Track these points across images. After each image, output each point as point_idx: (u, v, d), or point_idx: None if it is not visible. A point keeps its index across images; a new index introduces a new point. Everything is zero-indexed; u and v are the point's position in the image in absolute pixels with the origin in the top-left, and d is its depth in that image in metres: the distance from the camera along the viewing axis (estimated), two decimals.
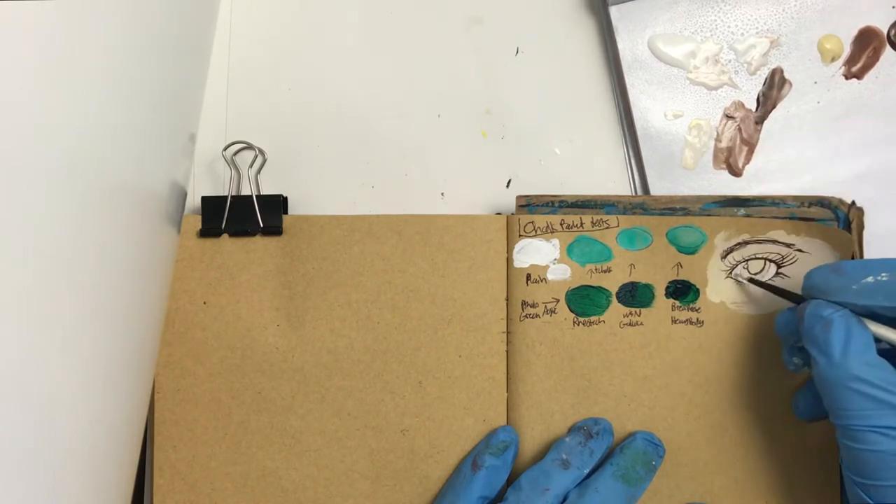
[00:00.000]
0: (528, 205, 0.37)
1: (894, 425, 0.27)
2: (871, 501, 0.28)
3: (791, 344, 0.33)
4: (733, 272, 0.36)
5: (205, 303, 0.36)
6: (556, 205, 0.37)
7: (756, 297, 0.36)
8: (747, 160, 0.38)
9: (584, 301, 0.36)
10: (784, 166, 0.38)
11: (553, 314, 0.36)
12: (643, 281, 0.36)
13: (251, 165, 0.38)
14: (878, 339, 0.29)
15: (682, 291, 0.36)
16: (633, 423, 0.36)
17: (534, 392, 0.36)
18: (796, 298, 0.33)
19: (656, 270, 0.36)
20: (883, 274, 0.29)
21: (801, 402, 0.34)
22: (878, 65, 0.38)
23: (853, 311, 0.30)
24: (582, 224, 0.36)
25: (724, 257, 0.36)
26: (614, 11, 0.38)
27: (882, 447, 0.27)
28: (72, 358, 0.26)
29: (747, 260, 0.36)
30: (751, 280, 0.35)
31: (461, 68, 0.40)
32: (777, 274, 0.36)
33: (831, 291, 0.30)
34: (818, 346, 0.29)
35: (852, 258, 0.36)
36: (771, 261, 0.36)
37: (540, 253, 0.36)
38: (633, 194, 0.39)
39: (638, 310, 0.36)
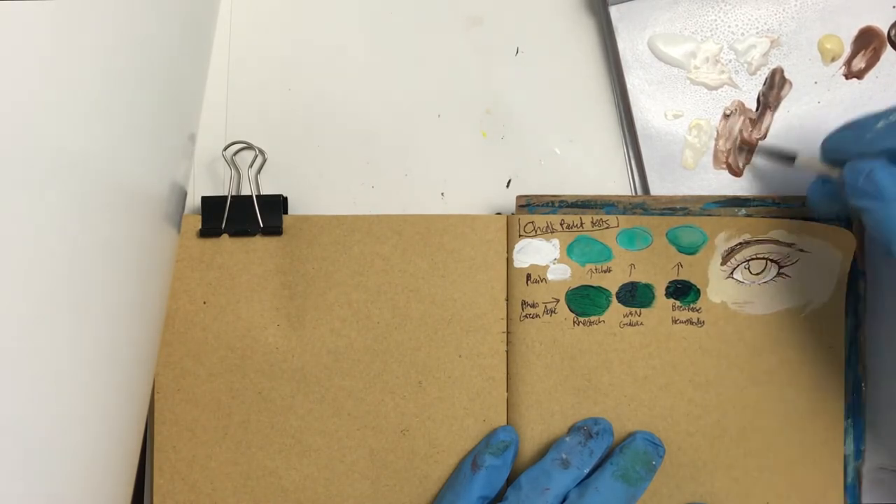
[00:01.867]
0: (528, 205, 0.37)
1: None
2: None
3: (833, 214, 0.34)
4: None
5: (205, 303, 0.36)
6: (556, 205, 0.37)
7: (757, 298, 0.36)
8: (747, 160, 0.38)
9: (584, 301, 0.36)
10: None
11: (553, 314, 0.36)
12: (643, 281, 0.36)
13: (251, 165, 0.38)
14: None
15: (683, 291, 0.36)
16: (633, 423, 0.36)
17: (534, 392, 0.36)
18: (788, 155, 0.34)
19: (656, 270, 0.36)
20: (893, 115, 0.30)
21: (817, 192, 0.34)
22: (878, 65, 0.38)
23: None
24: (582, 224, 0.36)
25: (724, 257, 0.36)
26: (614, 11, 0.38)
27: None
28: (71, 358, 0.26)
29: (748, 260, 0.36)
30: (759, 149, 0.36)
31: (461, 68, 0.40)
32: (779, 274, 0.36)
33: (848, 145, 0.31)
34: (867, 194, 0.29)
35: (854, 258, 0.36)
36: (772, 261, 0.36)
37: (540, 253, 0.36)
38: (633, 194, 0.39)
39: (638, 310, 0.36)
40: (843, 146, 0.31)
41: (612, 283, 0.36)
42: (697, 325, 0.36)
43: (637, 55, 0.38)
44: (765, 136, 0.38)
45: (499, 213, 0.37)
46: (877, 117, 0.30)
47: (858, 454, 0.36)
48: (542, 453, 0.35)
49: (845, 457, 0.36)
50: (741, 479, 0.36)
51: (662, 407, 0.36)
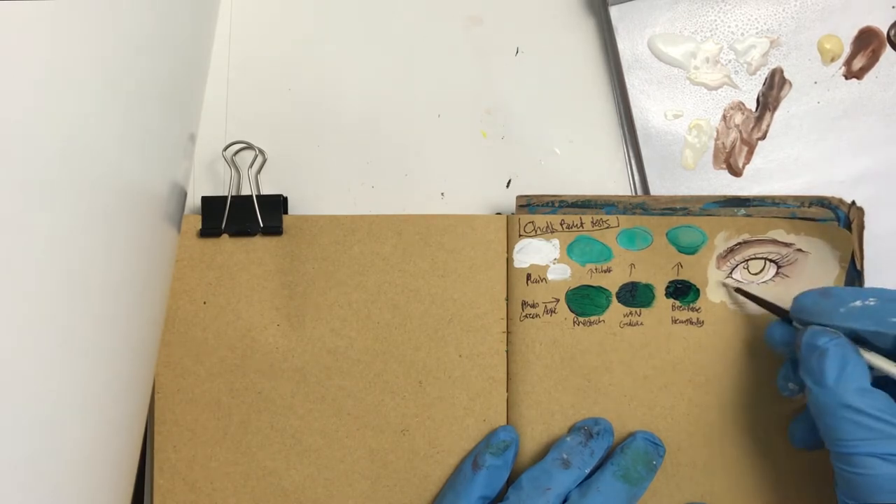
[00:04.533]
0: (529, 205, 0.37)
1: (888, 451, 0.28)
2: None
3: (787, 359, 0.34)
4: (725, 279, 0.36)
5: (205, 303, 0.36)
6: (556, 205, 0.37)
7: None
8: (747, 160, 0.38)
9: (584, 301, 0.36)
10: (784, 166, 0.38)
11: (553, 314, 0.36)
12: (643, 281, 0.36)
13: (251, 165, 0.38)
14: (871, 368, 0.29)
15: (683, 291, 0.36)
16: (633, 423, 0.36)
17: (534, 392, 0.36)
18: (781, 312, 0.33)
19: (656, 270, 0.36)
20: (871, 299, 0.30)
21: (798, 432, 0.35)
22: (877, 65, 0.38)
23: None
24: (582, 224, 0.36)
25: (724, 257, 0.36)
26: (614, 11, 0.38)
27: (876, 471, 0.28)
28: (72, 358, 0.26)
29: (747, 260, 0.36)
30: (738, 290, 0.35)
31: (461, 68, 0.40)
32: (777, 273, 0.36)
33: (819, 314, 0.31)
34: (813, 375, 0.29)
35: (852, 257, 0.36)
36: (771, 261, 0.36)
37: (540, 253, 0.36)
38: (633, 194, 0.39)
39: (638, 310, 0.36)
40: (815, 312, 0.31)
41: (612, 283, 0.36)
42: (697, 325, 0.36)
43: (637, 55, 0.38)
44: (764, 136, 0.38)
45: (499, 213, 0.37)
46: (855, 294, 0.30)
47: None
48: (543, 453, 0.35)
49: None
50: (741, 480, 0.36)
51: (662, 407, 0.36)
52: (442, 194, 0.39)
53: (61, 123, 0.24)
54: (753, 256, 0.36)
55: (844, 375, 0.29)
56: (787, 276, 0.36)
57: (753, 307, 0.36)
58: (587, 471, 0.33)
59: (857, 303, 0.30)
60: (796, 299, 0.32)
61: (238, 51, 0.40)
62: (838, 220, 0.36)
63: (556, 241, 0.36)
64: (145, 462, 0.37)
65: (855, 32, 0.38)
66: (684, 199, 0.36)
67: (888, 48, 0.38)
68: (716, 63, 0.38)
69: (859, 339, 0.30)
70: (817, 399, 0.29)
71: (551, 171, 0.39)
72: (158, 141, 0.33)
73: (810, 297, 0.31)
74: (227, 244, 0.37)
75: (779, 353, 0.34)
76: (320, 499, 0.36)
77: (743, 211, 0.36)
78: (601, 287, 0.36)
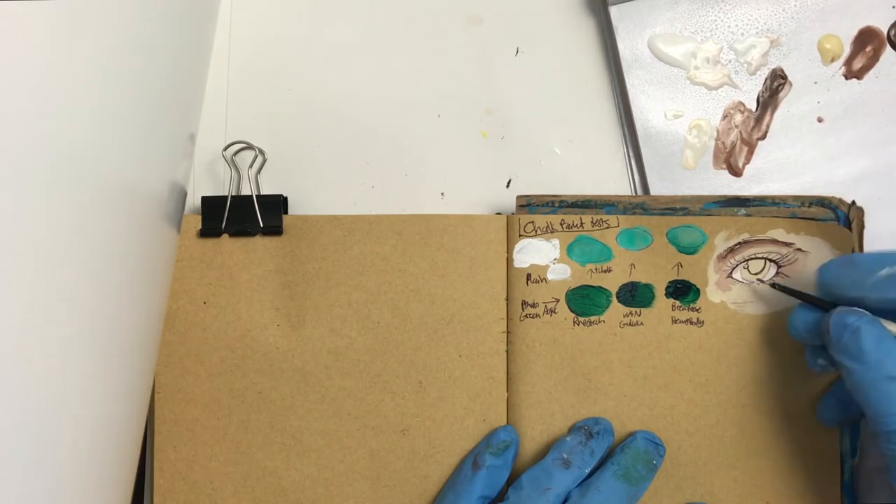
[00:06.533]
0: (529, 205, 0.37)
1: None
2: None
3: (812, 346, 0.33)
4: (769, 280, 0.35)
5: (205, 303, 0.36)
6: (556, 205, 0.37)
7: (757, 297, 0.36)
8: (747, 160, 0.38)
9: (584, 301, 0.36)
10: (784, 166, 0.38)
11: (553, 314, 0.36)
12: (643, 281, 0.36)
13: (251, 165, 0.38)
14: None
15: (683, 291, 0.36)
16: (633, 422, 0.36)
17: (534, 392, 0.36)
18: (823, 304, 0.32)
19: (656, 270, 0.36)
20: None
21: (826, 410, 0.34)
22: (878, 65, 0.38)
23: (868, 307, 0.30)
24: (582, 224, 0.36)
25: (724, 257, 0.36)
26: (614, 11, 0.38)
27: None
28: (72, 358, 0.26)
29: (747, 260, 0.36)
30: (774, 286, 0.35)
31: (461, 68, 0.40)
32: (777, 273, 0.36)
33: (846, 286, 0.30)
34: (850, 353, 0.29)
35: None
36: (771, 260, 0.36)
37: (540, 253, 0.36)
38: (633, 194, 0.39)
39: (638, 310, 0.36)
40: (841, 285, 0.30)
41: (612, 283, 0.36)
42: (697, 325, 0.36)
43: (637, 55, 0.38)
44: (765, 136, 0.38)
45: (499, 213, 0.37)
46: (880, 260, 0.29)
47: (854, 452, 0.36)
48: (543, 453, 0.35)
49: (842, 455, 0.36)
50: (741, 479, 0.36)
51: (662, 407, 0.36)
52: (442, 194, 0.39)
53: (61, 123, 0.24)
54: (753, 256, 0.36)
55: (883, 348, 0.28)
56: (787, 276, 0.36)
57: (754, 307, 0.36)
58: (587, 470, 0.33)
59: (885, 271, 0.29)
60: (820, 271, 0.32)
61: (238, 51, 0.40)
62: (838, 220, 0.36)
63: (556, 241, 0.36)
64: (145, 462, 0.37)
65: (855, 32, 0.38)
66: (684, 199, 0.36)
67: (888, 48, 0.38)
68: (716, 63, 0.38)
69: (887, 309, 0.29)
70: (858, 376, 0.29)
71: (551, 171, 0.39)
72: (158, 141, 0.33)
73: (833, 271, 0.31)
74: (227, 244, 0.37)
75: (803, 340, 0.33)
76: (320, 499, 0.36)
77: (743, 211, 0.36)
78: (601, 287, 0.36)
